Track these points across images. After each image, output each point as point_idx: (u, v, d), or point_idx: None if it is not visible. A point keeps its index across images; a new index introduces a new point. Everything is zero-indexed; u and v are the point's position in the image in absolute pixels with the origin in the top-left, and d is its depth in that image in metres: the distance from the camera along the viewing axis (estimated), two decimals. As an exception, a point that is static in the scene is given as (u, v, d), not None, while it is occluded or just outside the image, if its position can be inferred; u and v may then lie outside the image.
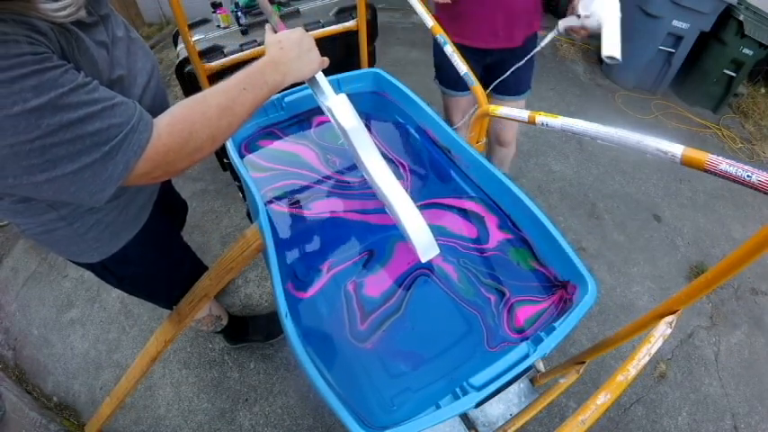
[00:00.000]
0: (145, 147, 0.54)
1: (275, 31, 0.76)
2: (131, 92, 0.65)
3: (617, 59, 0.94)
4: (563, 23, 1.12)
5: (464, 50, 1.31)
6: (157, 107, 0.70)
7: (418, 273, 0.82)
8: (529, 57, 1.24)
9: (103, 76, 0.58)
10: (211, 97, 0.60)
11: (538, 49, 1.21)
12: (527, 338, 0.70)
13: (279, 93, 0.74)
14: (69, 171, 0.50)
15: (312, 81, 0.79)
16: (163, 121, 0.57)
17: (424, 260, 0.77)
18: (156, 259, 0.96)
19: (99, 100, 0.51)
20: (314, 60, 0.74)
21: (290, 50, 0.69)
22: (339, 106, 0.73)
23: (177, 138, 0.56)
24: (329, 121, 0.82)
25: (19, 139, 0.46)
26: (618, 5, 0.99)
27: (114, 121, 0.51)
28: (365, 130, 0.75)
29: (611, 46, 0.94)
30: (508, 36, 1.31)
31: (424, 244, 0.75)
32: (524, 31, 1.33)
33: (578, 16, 1.06)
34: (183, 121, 0.57)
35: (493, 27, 1.29)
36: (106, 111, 0.51)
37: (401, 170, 0.99)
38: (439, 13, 1.36)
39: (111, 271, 0.89)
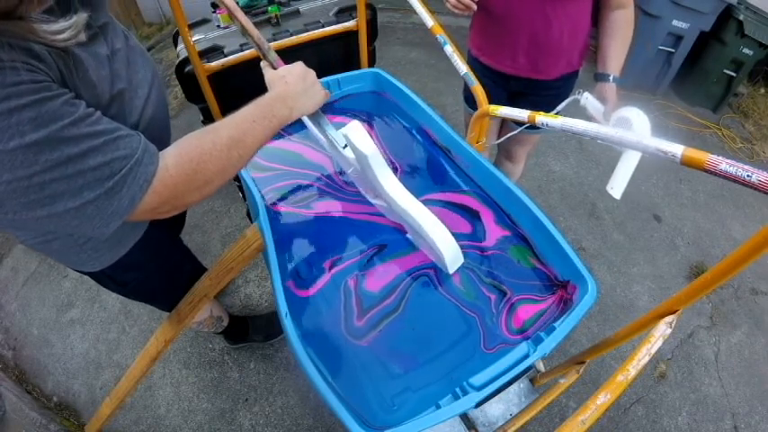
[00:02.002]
0: (151, 180, 0.51)
1: (274, 67, 0.74)
2: (133, 104, 0.63)
3: (615, 197, 0.89)
4: (589, 102, 0.99)
5: (488, 71, 1.26)
6: (159, 118, 0.69)
7: (420, 273, 0.81)
8: (556, 110, 0.98)
9: (104, 96, 0.56)
10: (222, 129, 0.58)
11: (559, 108, 1.01)
12: (526, 339, 0.70)
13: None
14: (71, 207, 0.47)
15: (318, 114, 0.77)
16: (170, 153, 0.54)
17: (451, 271, 0.79)
18: (156, 265, 0.95)
19: (101, 132, 0.48)
20: (319, 93, 0.73)
21: (295, 85, 0.68)
22: (356, 133, 0.71)
23: (186, 169, 0.54)
24: (331, 121, 0.82)
25: (16, 175, 0.43)
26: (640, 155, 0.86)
27: (118, 154, 0.49)
28: (379, 153, 0.74)
29: (618, 186, 0.87)
30: (532, 65, 1.17)
31: (452, 257, 0.76)
32: (557, 66, 1.18)
33: (604, 115, 0.98)
34: (192, 152, 0.55)
35: (513, 51, 1.16)
36: (109, 144, 0.48)
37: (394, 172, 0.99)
38: (472, 27, 1.28)
39: (112, 278, 0.88)
